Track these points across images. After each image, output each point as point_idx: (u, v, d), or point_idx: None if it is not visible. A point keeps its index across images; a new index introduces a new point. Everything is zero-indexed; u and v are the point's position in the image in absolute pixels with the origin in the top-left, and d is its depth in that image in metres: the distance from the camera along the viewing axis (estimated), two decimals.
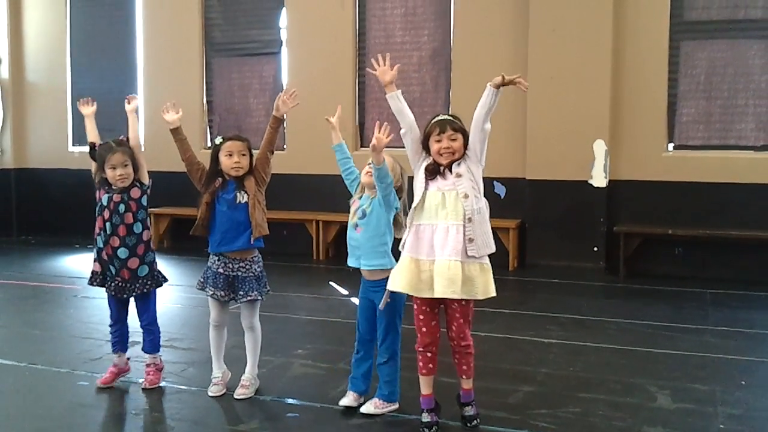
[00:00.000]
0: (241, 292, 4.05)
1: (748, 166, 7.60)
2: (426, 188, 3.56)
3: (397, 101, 3.61)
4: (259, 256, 4.16)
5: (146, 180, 4.23)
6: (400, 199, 3.83)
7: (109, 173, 4.11)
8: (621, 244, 7.67)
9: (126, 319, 4.34)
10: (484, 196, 3.61)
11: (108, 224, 4.10)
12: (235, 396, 4.07)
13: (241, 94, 9.75)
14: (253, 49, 9.65)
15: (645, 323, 5.75)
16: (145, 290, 4.20)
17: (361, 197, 3.89)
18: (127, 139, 4.24)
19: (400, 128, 3.62)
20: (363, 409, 3.82)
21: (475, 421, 3.66)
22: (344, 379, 4.02)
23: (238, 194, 4.02)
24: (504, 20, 8.33)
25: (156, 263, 4.30)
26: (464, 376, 3.70)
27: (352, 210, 3.89)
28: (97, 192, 4.21)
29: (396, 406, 3.84)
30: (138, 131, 4.27)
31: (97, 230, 4.16)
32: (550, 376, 4.47)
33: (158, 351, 4.34)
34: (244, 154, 4.04)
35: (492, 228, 3.67)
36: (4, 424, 3.80)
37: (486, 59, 8.12)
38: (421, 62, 8.88)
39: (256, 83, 9.68)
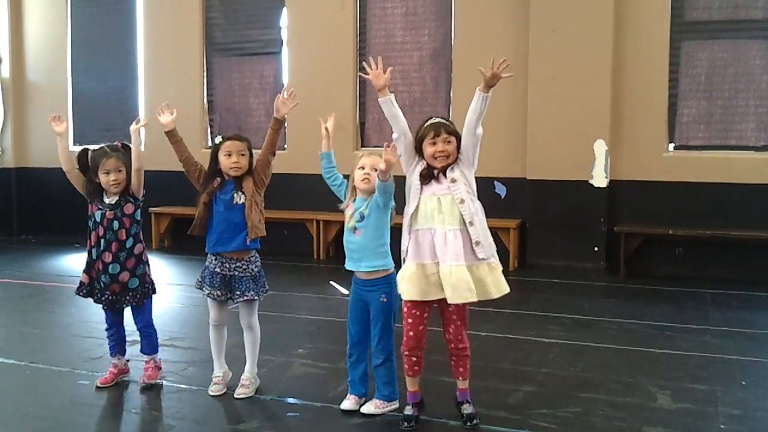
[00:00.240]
0: (238, 292, 4.05)
1: (748, 166, 7.60)
2: (421, 193, 3.56)
3: (390, 106, 3.59)
4: (257, 256, 4.15)
5: (140, 195, 4.21)
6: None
7: (103, 178, 4.10)
8: (621, 244, 7.67)
9: (122, 323, 4.34)
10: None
11: (102, 240, 4.11)
12: (236, 395, 4.07)
13: (242, 93, 9.76)
14: (254, 49, 9.65)
15: (645, 323, 5.75)
16: (134, 303, 4.21)
17: (355, 200, 3.87)
18: (123, 145, 4.21)
19: (392, 133, 3.62)
20: (363, 409, 3.82)
21: (475, 420, 3.65)
22: (344, 379, 4.02)
23: (235, 195, 4.02)
24: (504, 20, 8.33)
25: (148, 274, 4.29)
26: (461, 378, 3.71)
27: (347, 214, 3.86)
28: (90, 206, 4.19)
29: (396, 405, 3.84)
30: (140, 151, 4.19)
31: (91, 244, 4.16)
32: (551, 376, 4.47)
33: (156, 352, 4.34)
34: (243, 154, 4.03)
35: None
36: (4, 423, 3.80)
37: (486, 59, 7.98)
38: (422, 62, 8.88)
39: (256, 83, 9.68)
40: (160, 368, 4.34)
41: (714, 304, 6.49)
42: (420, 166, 3.60)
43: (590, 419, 3.79)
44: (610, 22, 7.82)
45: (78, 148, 4.33)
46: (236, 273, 4.05)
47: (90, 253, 4.18)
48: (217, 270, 4.07)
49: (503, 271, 3.64)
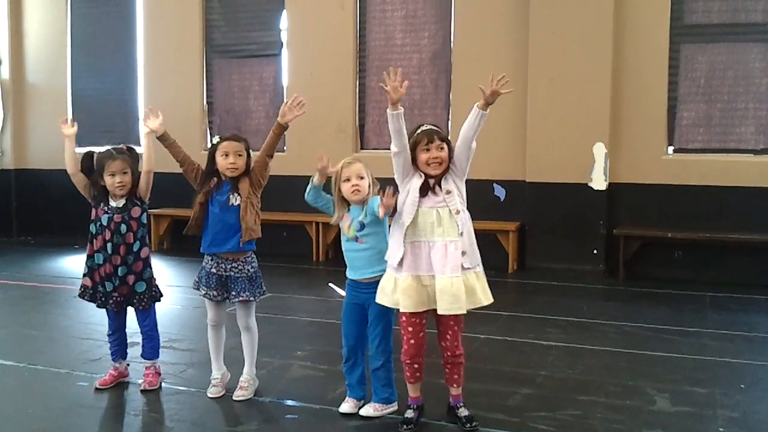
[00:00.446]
0: (233, 293, 4.05)
1: (748, 169, 7.60)
2: (419, 206, 3.56)
3: (398, 120, 3.57)
4: (253, 256, 4.14)
5: (147, 198, 4.22)
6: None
7: (108, 180, 4.09)
8: (620, 247, 7.67)
9: (124, 327, 4.34)
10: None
11: (109, 244, 4.10)
12: (234, 397, 4.07)
13: (242, 95, 9.76)
14: (254, 51, 9.65)
15: (644, 326, 5.75)
16: (140, 307, 4.21)
17: (349, 210, 3.86)
18: (128, 148, 4.21)
19: (391, 147, 3.60)
20: (362, 412, 3.82)
21: (475, 422, 3.65)
22: (343, 382, 4.01)
23: (231, 196, 4.01)
24: (504, 22, 8.34)
25: (154, 279, 4.29)
26: (455, 385, 3.72)
27: (344, 225, 3.86)
28: (94, 210, 4.17)
29: (395, 407, 3.84)
30: (152, 154, 4.18)
31: (95, 248, 4.13)
32: (550, 379, 4.47)
33: (157, 357, 4.34)
34: (240, 155, 4.02)
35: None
36: (3, 424, 3.79)
37: (486, 61, 8.11)
38: (422, 64, 8.88)
39: (256, 85, 9.69)
40: (159, 374, 4.33)
41: (713, 307, 6.49)
42: (416, 179, 3.60)
43: (589, 422, 3.79)
44: (610, 25, 7.83)
45: (79, 149, 4.33)
46: (232, 273, 4.05)
47: (93, 257, 4.16)
48: (213, 270, 4.07)
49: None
